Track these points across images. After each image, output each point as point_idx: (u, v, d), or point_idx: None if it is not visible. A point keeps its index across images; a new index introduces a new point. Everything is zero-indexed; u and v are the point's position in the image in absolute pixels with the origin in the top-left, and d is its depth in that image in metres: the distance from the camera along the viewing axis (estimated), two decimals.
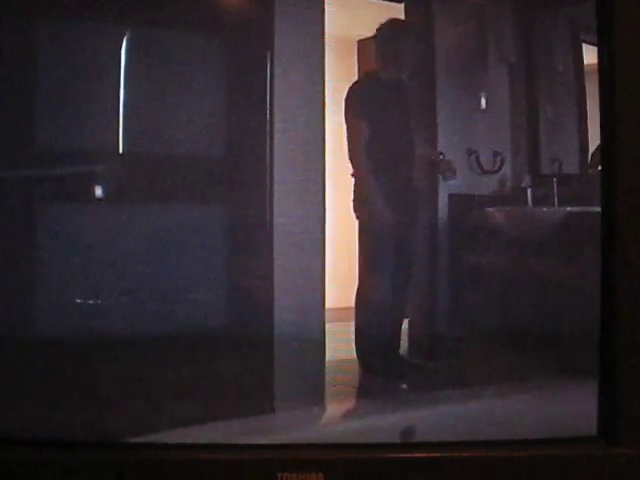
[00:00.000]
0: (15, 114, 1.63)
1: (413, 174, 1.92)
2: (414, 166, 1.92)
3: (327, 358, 1.85)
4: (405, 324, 1.98)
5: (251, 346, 1.72)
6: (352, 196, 1.89)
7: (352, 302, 1.90)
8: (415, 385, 1.89)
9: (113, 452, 1.48)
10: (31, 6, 1.63)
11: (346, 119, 1.87)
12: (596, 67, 1.55)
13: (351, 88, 1.86)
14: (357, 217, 1.86)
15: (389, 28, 1.89)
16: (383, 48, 1.94)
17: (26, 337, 1.64)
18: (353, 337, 1.90)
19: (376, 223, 1.92)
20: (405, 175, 1.90)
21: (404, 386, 1.91)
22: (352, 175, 1.88)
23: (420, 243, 1.92)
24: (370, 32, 1.89)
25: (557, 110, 1.93)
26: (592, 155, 1.75)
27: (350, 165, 1.86)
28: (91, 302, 1.67)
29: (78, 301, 1.66)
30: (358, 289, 1.90)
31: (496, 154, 1.91)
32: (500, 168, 1.91)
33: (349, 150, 1.85)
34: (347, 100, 1.86)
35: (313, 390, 1.83)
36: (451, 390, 1.83)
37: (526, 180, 1.93)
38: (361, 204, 1.88)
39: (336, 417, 1.90)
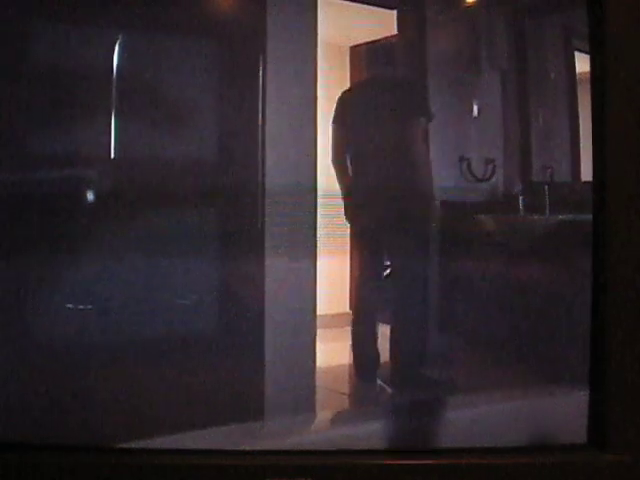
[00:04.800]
0: (5, 118, 1.63)
1: (404, 181, 1.92)
2: (405, 173, 1.92)
3: (318, 364, 1.85)
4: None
5: (242, 352, 1.72)
6: (343, 203, 1.89)
7: (343, 309, 1.89)
8: (405, 392, 1.89)
9: (101, 456, 1.48)
10: (23, 8, 1.63)
11: (335, 126, 1.87)
12: (588, 75, 1.56)
13: (342, 95, 1.86)
14: (349, 222, 1.86)
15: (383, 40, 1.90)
16: (375, 55, 1.94)
17: (19, 342, 1.63)
18: (344, 343, 1.90)
19: (365, 229, 1.92)
20: (395, 182, 1.90)
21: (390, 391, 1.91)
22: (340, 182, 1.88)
23: (411, 250, 1.92)
24: (363, 38, 1.89)
25: (549, 117, 1.94)
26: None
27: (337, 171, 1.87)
28: (82, 307, 1.67)
29: (70, 306, 1.66)
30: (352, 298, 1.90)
31: (488, 161, 1.91)
32: (492, 175, 1.91)
33: (335, 155, 1.86)
34: (337, 107, 1.86)
35: (303, 396, 1.82)
36: (441, 397, 1.83)
37: (518, 188, 1.93)
38: (351, 210, 1.88)
39: (326, 423, 1.90)
